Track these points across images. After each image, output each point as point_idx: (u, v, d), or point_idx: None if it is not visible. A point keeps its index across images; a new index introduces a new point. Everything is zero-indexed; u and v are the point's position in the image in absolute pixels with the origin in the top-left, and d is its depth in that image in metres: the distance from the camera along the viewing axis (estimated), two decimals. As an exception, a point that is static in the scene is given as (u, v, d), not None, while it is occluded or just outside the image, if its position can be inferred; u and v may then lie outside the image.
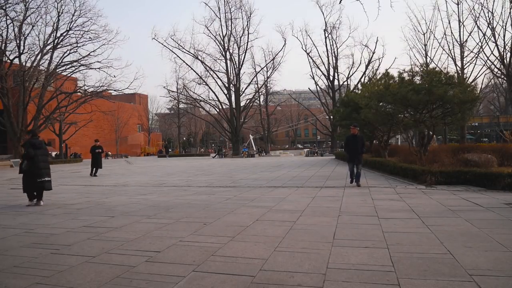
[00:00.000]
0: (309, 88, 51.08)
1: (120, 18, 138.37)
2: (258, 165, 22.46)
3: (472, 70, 60.65)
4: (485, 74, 33.21)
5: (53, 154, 41.09)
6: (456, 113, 12.99)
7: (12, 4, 29.08)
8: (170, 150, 64.76)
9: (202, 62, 44.65)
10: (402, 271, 3.32)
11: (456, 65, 27.57)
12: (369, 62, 42.57)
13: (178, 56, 46.65)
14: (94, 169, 17.16)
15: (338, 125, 32.86)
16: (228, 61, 44.89)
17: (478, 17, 24.90)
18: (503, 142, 22.34)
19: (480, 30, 25.09)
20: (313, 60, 45.40)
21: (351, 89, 35.17)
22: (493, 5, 33.75)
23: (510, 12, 23.19)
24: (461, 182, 9.39)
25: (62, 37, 32.99)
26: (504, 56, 23.30)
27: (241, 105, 45.81)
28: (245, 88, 47.02)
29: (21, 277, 3.45)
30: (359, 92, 21.62)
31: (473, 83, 22.30)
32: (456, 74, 19.67)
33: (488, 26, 24.16)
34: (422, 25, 52.46)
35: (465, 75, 26.11)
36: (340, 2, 10.91)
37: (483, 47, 25.28)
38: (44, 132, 36.40)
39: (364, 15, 41.18)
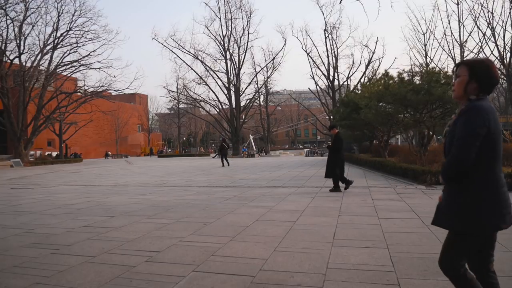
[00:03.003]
0: (309, 88, 50.98)
1: (120, 18, 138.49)
2: (258, 165, 22.46)
3: (472, 70, 60.33)
4: (485, 74, 33.14)
5: (53, 154, 41.11)
6: (456, 113, 12.98)
7: (12, 4, 29.09)
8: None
9: (202, 62, 44.72)
10: (402, 271, 3.32)
11: (456, 65, 27.57)
12: (369, 62, 42.46)
13: (178, 56, 46.80)
14: None
15: (338, 125, 32.83)
16: (228, 61, 44.94)
17: (478, 17, 25.01)
18: (503, 142, 22.34)
19: (480, 30, 25.18)
20: (313, 60, 45.30)
21: (351, 89, 35.13)
22: (493, 5, 33.92)
23: (510, 12, 23.28)
24: (461, 182, 9.37)
25: (62, 37, 33.01)
26: (504, 56, 23.35)
27: (241, 105, 45.83)
28: (245, 88, 47.09)
29: (21, 277, 3.45)
30: (359, 92, 21.62)
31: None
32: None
33: (488, 26, 24.24)
34: (422, 25, 52.56)
35: (465, 75, 26.09)
36: (340, 2, 10.93)
37: (483, 47, 25.38)
38: (44, 132, 36.43)
39: (364, 15, 41.19)
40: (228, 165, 21.89)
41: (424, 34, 30.70)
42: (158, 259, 3.89)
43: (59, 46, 33.13)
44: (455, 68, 2.06)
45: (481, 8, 24.71)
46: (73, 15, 32.85)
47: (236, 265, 3.64)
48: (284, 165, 22.22)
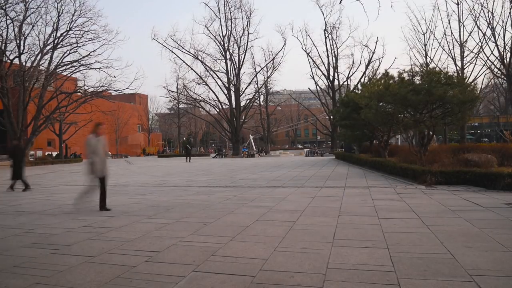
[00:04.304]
0: (309, 88, 51.04)
1: (120, 18, 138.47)
2: (258, 165, 22.46)
3: (472, 70, 60.45)
4: (485, 74, 33.21)
5: (53, 154, 41.12)
6: (456, 113, 12.98)
7: (12, 4, 29.08)
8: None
9: (202, 62, 44.67)
10: (402, 271, 3.32)
11: (456, 65, 27.60)
12: (369, 62, 42.52)
13: (178, 56, 46.48)
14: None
15: (338, 125, 32.82)
16: (228, 61, 44.92)
17: (478, 17, 24.96)
18: (503, 142, 22.33)
19: (480, 30, 25.15)
20: (313, 60, 45.34)
21: (351, 89, 35.08)
22: (493, 5, 33.82)
23: (510, 12, 23.27)
24: (461, 182, 9.38)
25: (62, 37, 32.97)
26: (504, 56, 23.33)
27: (241, 105, 45.80)
28: (245, 88, 47.06)
29: (21, 277, 3.45)
30: (359, 92, 21.60)
31: (473, 83, 22.29)
32: (455, 74, 19.64)
33: (488, 26, 24.22)
34: (422, 25, 52.33)
35: (465, 75, 26.12)
36: (340, 2, 10.93)
37: (483, 47, 25.34)
38: (44, 132, 36.42)
39: (364, 15, 41.16)
40: (190, 161, 31.52)
41: (424, 34, 30.64)
42: (158, 259, 3.89)
43: (59, 46, 33.13)
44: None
45: (481, 8, 24.65)
46: (73, 15, 32.85)
47: (236, 265, 3.64)
48: (284, 165, 22.21)
